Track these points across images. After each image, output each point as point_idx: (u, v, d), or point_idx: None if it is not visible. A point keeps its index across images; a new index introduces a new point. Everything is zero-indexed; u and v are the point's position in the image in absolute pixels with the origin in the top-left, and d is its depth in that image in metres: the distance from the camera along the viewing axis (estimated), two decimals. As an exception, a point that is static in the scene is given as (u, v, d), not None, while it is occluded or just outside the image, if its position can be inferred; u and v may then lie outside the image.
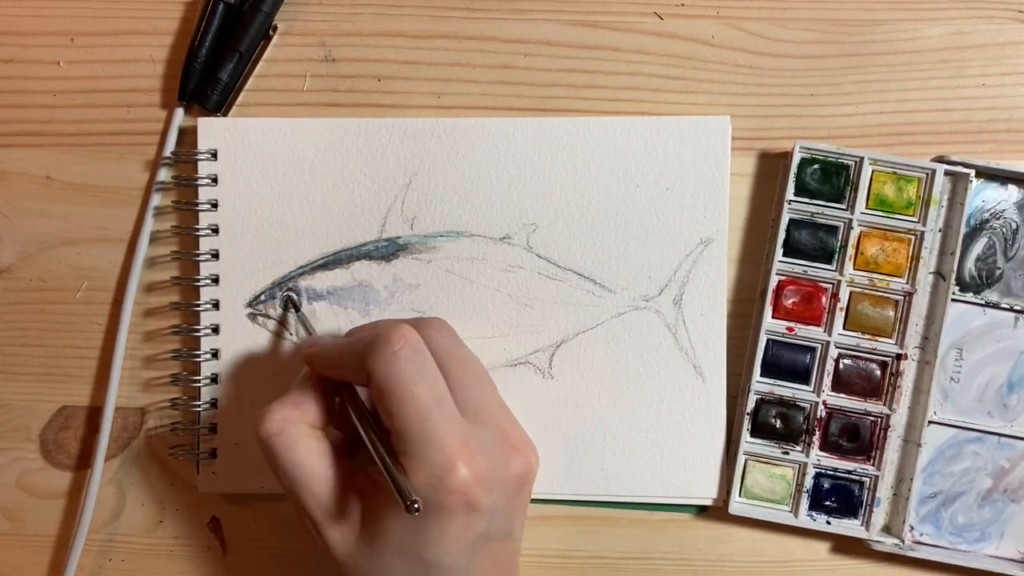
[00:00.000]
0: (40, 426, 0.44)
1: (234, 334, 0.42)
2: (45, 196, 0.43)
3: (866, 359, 0.41)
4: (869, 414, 0.41)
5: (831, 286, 0.41)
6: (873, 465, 0.41)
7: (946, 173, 0.41)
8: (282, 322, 0.42)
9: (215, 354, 0.42)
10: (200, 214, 0.42)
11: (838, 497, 0.42)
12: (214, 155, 0.42)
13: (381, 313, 0.42)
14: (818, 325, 0.42)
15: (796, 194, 0.41)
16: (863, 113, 0.42)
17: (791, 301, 0.42)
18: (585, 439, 0.42)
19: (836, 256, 0.41)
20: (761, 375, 0.42)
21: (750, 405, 0.42)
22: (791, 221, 0.41)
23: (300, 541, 0.43)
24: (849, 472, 0.41)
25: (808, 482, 0.41)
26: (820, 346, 0.41)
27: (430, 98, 0.43)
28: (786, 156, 0.42)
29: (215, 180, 0.42)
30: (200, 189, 0.42)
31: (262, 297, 0.42)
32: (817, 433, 0.42)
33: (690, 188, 0.42)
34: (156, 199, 0.43)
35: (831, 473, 0.42)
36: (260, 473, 0.42)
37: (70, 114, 0.43)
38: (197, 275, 0.42)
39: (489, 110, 0.43)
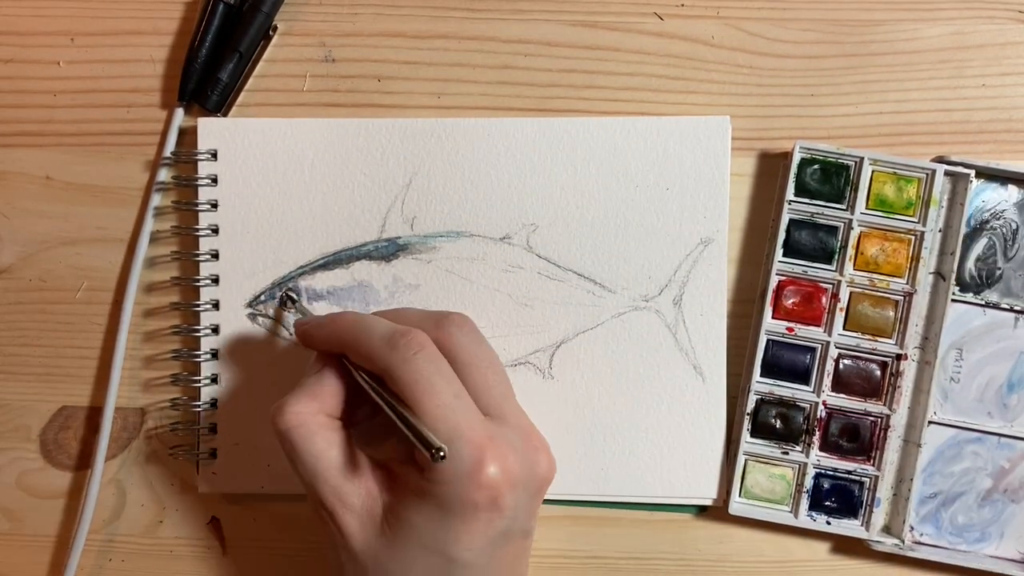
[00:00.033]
0: (40, 426, 0.44)
1: (234, 334, 0.42)
2: (45, 196, 0.43)
3: (866, 359, 0.41)
4: (869, 414, 0.41)
5: (831, 286, 0.41)
6: (873, 465, 0.41)
7: (946, 173, 0.41)
8: (282, 322, 0.42)
9: (215, 354, 0.42)
10: (200, 214, 0.42)
11: (838, 497, 0.42)
12: (214, 155, 0.42)
13: (381, 313, 0.42)
14: (818, 325, 0.42)
15: (796, 194, 0.41)
16: (863, 113, 0.42)
17: (791, 301, 0.42)
18: (585, 439, 0.42)
19: (836, 256, 0.41)
20: (761, 375, 0.42)
21: (750, 405, 0.42)
22: (791, 221, 0.41)
23: (301, 541, 0.43)
24: (849, 472, 0.41)
25: (808, 482, 0.41)
26: (820, 346, 0.41)
27: (430, 98, 0.43)
28: (786, 156, 0.42)
29: (215, 180, 0.42)
30: (200, 189, 0.42)
31: (262, 297, 0.42)
32: (817, 433, 0.42)
33: (690, 188, 0.42)
34: (156, 199, 0.43)
35: (831, 473, 0.42)
36: (260, 473, 0.42)
37: (70, 114, 0.43)
38: (197, 275, 0.42)
39: (489, 110, 0.43)
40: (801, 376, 0.42)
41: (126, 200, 0.43)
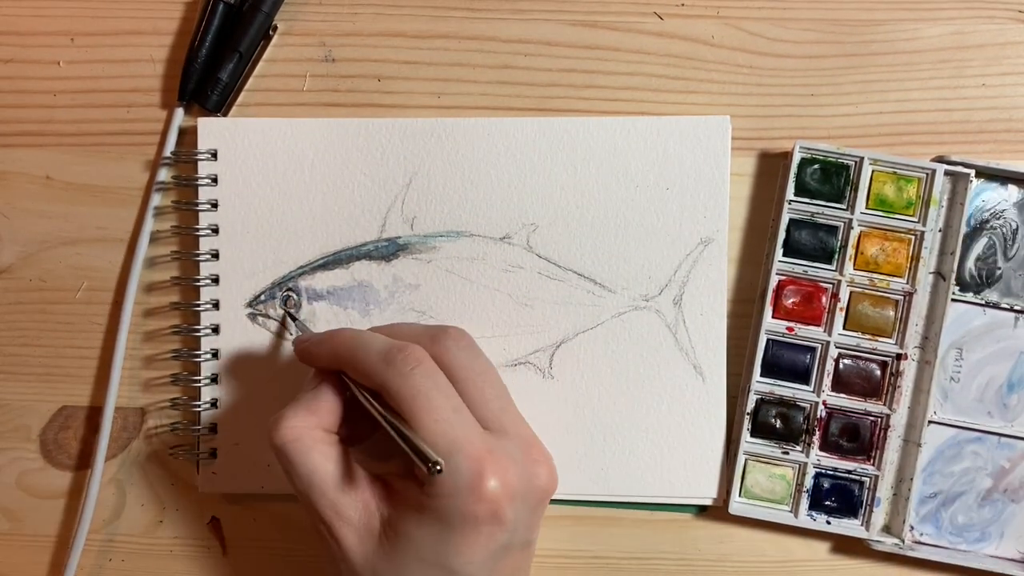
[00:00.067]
0: (40, 426, 0.44)
1: (234, 334, 0.42)
2: (45, 196, 0.43)
3: (866, 359, 0.41)
4: (869, 414, 0.41)
5: (831, 286, 0.41)
6: (873, 465, 0.41)
7: (946, 173, 0.41)
8: (282, 322, 0.42)
9: (215, 354, 0.42)
10: (200, 214, 0.42)
11: (838, 497, 0.42)
12: (214, 155, 0.42)
13: (381, 313, 0.42)
14: (818, 325, 0.42)
15: (796, 194, 0.41)
16: (863, 113, 0.42)
17: (791, 301, 0.42)
18: (585, 439, 0.42)
19: (836, 256, 0.41)
20: (761, 375, 0.42)
21: (750, 405, 0.42)
22: (791, 221, 0.41)
23: (301, 541, 0.43)
24: (849, 472, 0.41)
25: (808, 482, 0.41)
26: (820, 346, 0.41)
27: (430, 98, 0.43)
28: (786, 156, 0.42)
29: (215, 180, 0.42)
30: (200, 189, 0.42)
31: (262, 297, 0.42)
32: (817, 433, 0.42)
33: (690, 188, 0.42)
34: (156, 199, 0.43)
35: (831, 473, 0.42)
36: (260, 473, 0.42)
37: (70, 114, 0.43)
38: (197, 275, 0.42)
39: (489, 110, 0.43)
40: (801, 376, 0.42)
41: (126, 200, 0.43)
